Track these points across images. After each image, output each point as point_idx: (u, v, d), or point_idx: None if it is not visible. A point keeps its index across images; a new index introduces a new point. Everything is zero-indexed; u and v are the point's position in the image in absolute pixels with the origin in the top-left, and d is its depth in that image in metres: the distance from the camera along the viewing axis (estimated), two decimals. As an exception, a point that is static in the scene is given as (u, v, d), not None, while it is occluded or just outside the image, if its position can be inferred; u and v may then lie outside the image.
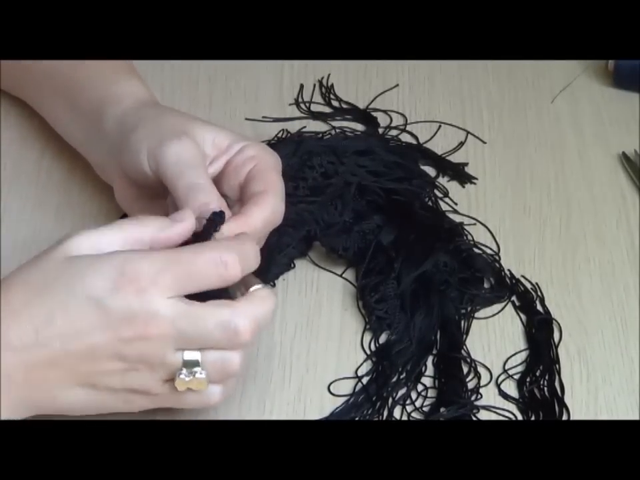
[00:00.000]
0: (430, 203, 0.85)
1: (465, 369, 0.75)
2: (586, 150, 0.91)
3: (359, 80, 0.95)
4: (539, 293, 0.80)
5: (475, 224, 0.84)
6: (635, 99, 0.94)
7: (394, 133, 0.91)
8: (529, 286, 0.81)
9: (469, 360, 0.76)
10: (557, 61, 0.96)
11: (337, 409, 0.72)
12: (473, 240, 0.83)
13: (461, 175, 0.88)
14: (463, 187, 0.87)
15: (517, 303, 0.80)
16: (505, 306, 0.80)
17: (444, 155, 0.89)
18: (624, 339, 0.78)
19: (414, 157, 0.88)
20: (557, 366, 0.76)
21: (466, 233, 0.83)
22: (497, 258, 0.82)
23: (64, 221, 0.82)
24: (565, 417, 0.73)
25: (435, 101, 0.94)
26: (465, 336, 0.77)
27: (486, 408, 0.73)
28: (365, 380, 0.74)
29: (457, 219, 0.84)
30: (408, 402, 0.73)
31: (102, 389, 0.63)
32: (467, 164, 0.89)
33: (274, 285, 0.79)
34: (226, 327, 0.63)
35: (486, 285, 0.80)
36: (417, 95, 0.95)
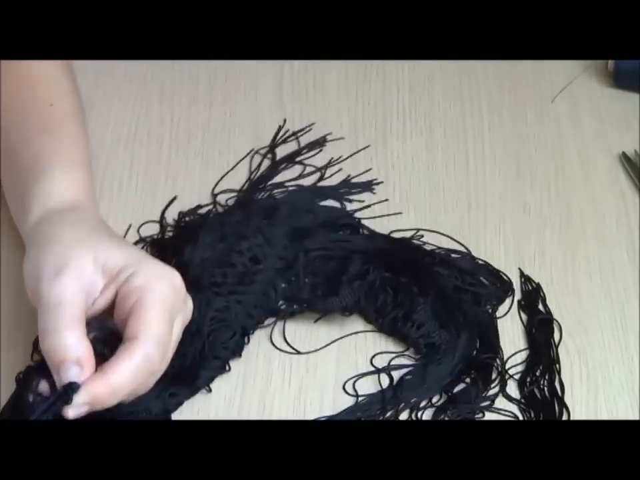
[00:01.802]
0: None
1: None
2: (586, 150, 0.91)
3: (358, 80, 0.95)
4: (541, 293, 0.80)
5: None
6: (635, 99, 0.94)
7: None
8: (529, 286, 0.81)
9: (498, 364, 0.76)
10: (557, 60, 0.96)
11: (345, 410, 0.73)
12: (448, 249, 0.81)
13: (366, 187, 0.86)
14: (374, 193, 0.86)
15: (521, 302, 0.80)
16: (512, 304, 0.80)
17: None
18: (624, 338, 0.78)
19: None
20: (557, 366, 0.76)
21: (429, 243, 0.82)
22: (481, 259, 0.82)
23: (64, 221, 0.82)
24: (565, 417, 0.73)
25: (435, 100, 0.94)
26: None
27: (488, 409, 0.74)
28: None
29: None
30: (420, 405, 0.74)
31: None
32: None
33: (210, 390, 0.73)
34: None
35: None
36: (416, 95, 0.95)
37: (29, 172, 0.75)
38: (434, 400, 0.74)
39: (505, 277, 0.81)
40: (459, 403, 0.73)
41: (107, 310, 0.68)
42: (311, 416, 0.72)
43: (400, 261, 0.79)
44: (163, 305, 0.66)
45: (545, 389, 0.74)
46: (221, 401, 0.72)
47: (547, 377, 0.75)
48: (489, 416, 0.73)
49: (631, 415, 0.74)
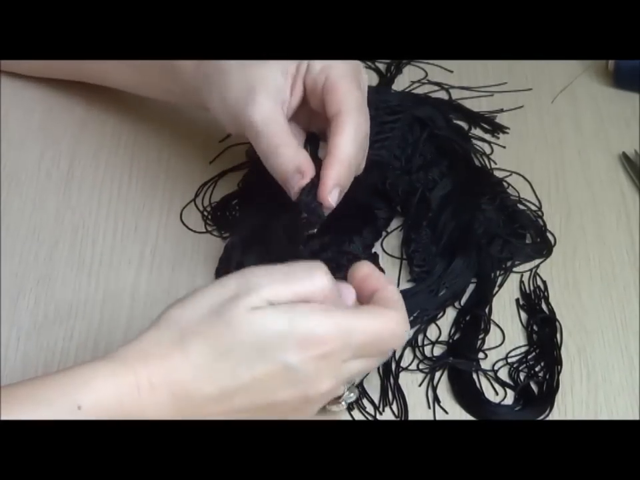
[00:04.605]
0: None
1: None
2: (586, 150, 0.91)
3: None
4: (545, 292, 0.80)
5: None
6: (635, 99, 0.94)
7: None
8: (531, 286, 0.81)
9: (486, 319, 0.78)
10: (557, 60, 0.96)
11: None
12: (518, 195, 0.85)
13: (493, 126, 0.91)
14: (498, 137, 0.91)
15: (521, 302, 0.80)
16: (541, 262, 0.82)
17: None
18: (624, 338, 0.78)
19: (446, 110, 0.91)
20: (559, 367, 0.75)
21: (512, 188, 0.86)
22: (540, 214, 0.84)
23: (63, 222, 0.82)
24: (551, 413, 0.73)
25: (435, 101, 0.94)
26: (498, 289, 0.80)
27: (487, 372, 0.75)
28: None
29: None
30: (418, 344, 0.76)
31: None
32: (497, 115, 0.92)
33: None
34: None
35: (527, 241, 0.83)
36: (415, 95, 0.95)
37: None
38: (433, 337, 0.77)
39: (548, 238, 0.83)
40: (461, 349, 0.76)
41: (301, 107, 0.75)
42: (310, 416, 0.72)
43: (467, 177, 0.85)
44: (347, 75, 0.74)
45: (544, 386, 0.74)
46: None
47: (547, 376, 0.75)
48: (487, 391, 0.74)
49: (631, 415, 0.74)
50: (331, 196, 0.71)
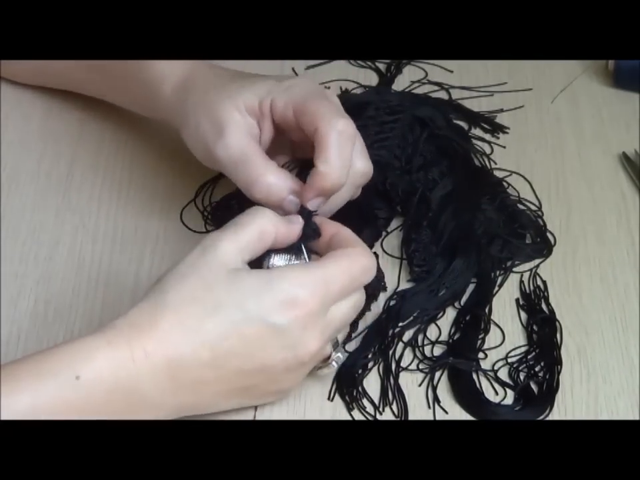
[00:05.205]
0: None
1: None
2: (586, 150, 0.91)
3: (359, 80, 0.95)
4: (545, 292, 0.80)
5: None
6: (635, 99, 0.94)
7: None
8: (531, 286, 0.81)
9: (486, 319, 0.78)
10: (557, 60, 0.96)
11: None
12: (518, 195, 0.86)
13: (493, 126, 0.91)
14: (498, 137, 0.91)
15: (521, 302, 0.80)
16: (541, 262, 0.82)
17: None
18: (624, 338, 0.78)
19: (446, 110, 0.91)
20: (559, 367, 0.75)
21: (512, 188, 0.86)
22: (540, 214, 0.85)
23: (63, 222, 0.82)
24: (551, 413, 0.73)
25: (435, 101, 0.94)
26: (498, 289, 0.80)
27: (487, 372, 0.75)
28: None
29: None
30: (418, 344, 0.76)
31: (256, 395, 0.68)
32: (497, 114, 0.92)
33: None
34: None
35: (527, 241, 0.83)
36: (415, 95, 0.94)
37: (138, 65, 0.79)
38: (433, 337, 0.77)
39: (548, 238, 0.83)
40: (461, 348, 0.76)
41: (279, 140, 0.75)
42: (311, 416, 0.72)
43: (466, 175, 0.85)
44: (311, 94, 0.73)
45: (544, 386, 0.74)
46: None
47: (547, 376, 0.75)
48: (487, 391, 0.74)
49: (631, 415, 0.74)
50: (310, 203, 0.71)
